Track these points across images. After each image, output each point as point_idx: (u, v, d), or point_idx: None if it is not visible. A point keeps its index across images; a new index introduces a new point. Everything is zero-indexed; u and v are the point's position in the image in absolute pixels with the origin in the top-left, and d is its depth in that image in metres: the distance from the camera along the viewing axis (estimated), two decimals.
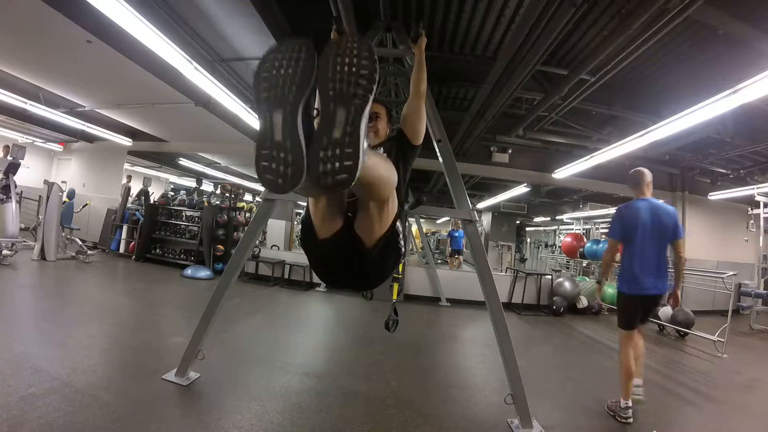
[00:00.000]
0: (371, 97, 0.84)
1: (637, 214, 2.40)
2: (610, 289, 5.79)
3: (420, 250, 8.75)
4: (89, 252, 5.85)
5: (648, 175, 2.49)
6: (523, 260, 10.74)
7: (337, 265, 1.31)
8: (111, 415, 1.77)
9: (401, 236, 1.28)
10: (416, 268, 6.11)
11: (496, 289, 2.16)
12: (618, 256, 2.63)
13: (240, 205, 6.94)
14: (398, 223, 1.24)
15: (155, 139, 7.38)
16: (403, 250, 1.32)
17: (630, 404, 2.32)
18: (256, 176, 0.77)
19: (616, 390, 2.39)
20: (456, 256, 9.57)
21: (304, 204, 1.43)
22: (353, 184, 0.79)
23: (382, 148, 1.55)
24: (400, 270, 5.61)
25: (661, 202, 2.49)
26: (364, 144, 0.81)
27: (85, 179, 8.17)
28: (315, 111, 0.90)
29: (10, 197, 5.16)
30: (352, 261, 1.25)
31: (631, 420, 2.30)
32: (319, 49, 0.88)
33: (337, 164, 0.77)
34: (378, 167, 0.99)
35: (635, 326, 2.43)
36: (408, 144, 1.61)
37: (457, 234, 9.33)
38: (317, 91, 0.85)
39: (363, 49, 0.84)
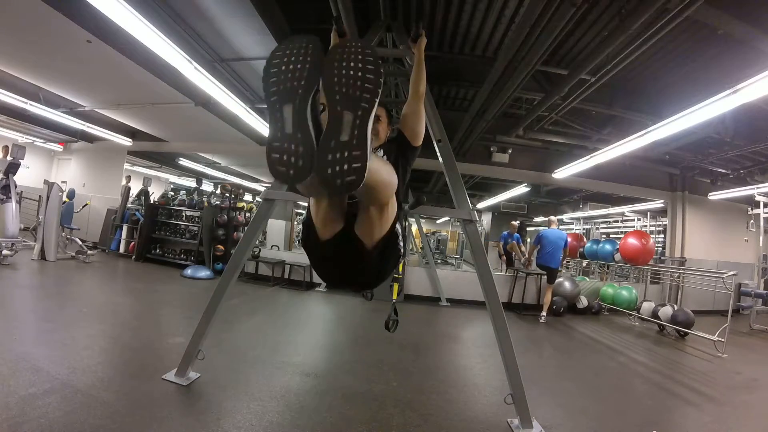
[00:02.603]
0: (377, 101, 0.85)
1: (546, 235, 5.28)
2: (610, 290, 5.83)
3: (420, 250, 8.74)
4: (89, 252, 5.85)
5: (555, 219, 5.64)
6: None
7: (337, 265, 1.32)
8: (111, 415, 1.77)
9: (401, 237, 1.30)
10: (416, 268, 6.11)
11: (496, 289, 2.15)
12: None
13: (240, 205, 6.93)
14: (398, 225, 1.25)
15: (155, 139, 7.38)
16: (402, 250, 1.34)
17: (545, 314, 5.15)
18: (268, 168, 0.79)
19: (616, 388, 2.94)
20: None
21: (305, 204, 1.45)
22: (360, 186, 0.80)
23: (382, 150, 1.56)
24: (400, 270, 5.62)
25: (559, 230, 5.43)
26: (370, 147, 0.83)
27: (85, 179, 8.17)
28: (321, 106, 0.91)
29: (10, 197, 5.16)
30: (352, 261, 1.26)
31: (542, 320, 5.08)
32: (326, 48, 0.89)
33: (345, 166, 0.79)
34: (380, 171, 1.00)
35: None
36: (408, 145, 1.62)
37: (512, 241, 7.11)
38: (323, 92, 0.86)
39: (368, 55, 0.86)
